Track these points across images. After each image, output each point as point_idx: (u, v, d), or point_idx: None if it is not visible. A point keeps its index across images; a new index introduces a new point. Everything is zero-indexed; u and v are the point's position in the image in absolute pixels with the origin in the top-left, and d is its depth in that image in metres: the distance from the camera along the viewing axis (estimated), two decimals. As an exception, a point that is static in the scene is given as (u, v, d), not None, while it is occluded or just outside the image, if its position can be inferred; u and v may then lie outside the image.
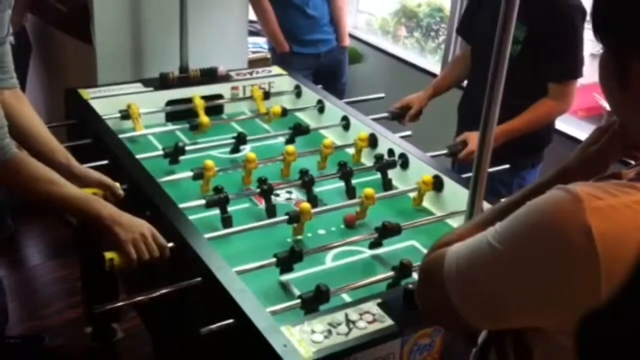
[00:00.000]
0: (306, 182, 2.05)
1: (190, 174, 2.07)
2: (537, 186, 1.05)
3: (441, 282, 0.92)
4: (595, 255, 0.77)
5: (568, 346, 0.83)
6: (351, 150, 2.37)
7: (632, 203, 0.79)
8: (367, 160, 2.35)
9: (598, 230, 0.77)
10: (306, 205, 1.89)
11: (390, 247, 1.88)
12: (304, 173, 2.07)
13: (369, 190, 1.97)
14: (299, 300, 1.56)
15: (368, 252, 1.87)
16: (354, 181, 2.15)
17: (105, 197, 1.86)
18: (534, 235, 0.82)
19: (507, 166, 2.21)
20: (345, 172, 2.13)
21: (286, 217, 1.87)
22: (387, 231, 1.83)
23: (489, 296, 0.88)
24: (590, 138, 1.10)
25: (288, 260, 1.69)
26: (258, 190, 2.00)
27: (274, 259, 1.69)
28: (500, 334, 1.00)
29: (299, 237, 1.91)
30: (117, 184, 1.90)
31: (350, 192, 2.12)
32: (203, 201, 1.91)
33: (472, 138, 2.30)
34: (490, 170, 1.64)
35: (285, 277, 1.73)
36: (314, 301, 1.54)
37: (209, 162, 2.06)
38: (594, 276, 0.77)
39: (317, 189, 2.10)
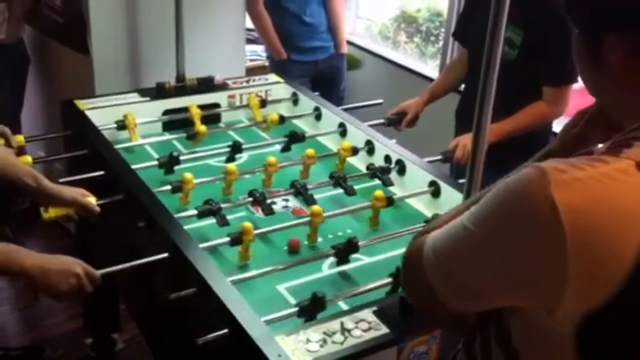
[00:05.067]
0: (299, 190, 2.05)
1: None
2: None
3: (421, 267, 0.94)
4: (560, 227, 0.77)
5: (562, 334, 0.83)
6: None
7: (599, 175, 0.80)
8: (362, 166, 2.34)
9: (562, 202, 0.78)
10: (317, 208, 1.89)
11: (388, 254, 1.87)
12: (295, 181, 2.09)
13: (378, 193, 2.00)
14: (295, 309, 1.53)
15: (365, 259, 1.86)
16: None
17: (79, 216, 1.80)
18: (502, 211, 0.84)
19: None
20: (337, 179, 2.14)
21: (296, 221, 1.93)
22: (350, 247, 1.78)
23: (463, 276, 0.89)
24: (571, 121, 1.13)
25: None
26: (251, 199, 2.00)
27: (269, 268, 1.68)
28: (486, 332, 0.99)
29: (313, 243, 1.92)
30: (94, 200, 1.82)
31: (349, 190, 2.12)
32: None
33: (464, 138, 2.31)
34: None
35: (281, 286, 1.72)
36: (311, 309, 1.53)
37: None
38: (560, 247, 0.78)
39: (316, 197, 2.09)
